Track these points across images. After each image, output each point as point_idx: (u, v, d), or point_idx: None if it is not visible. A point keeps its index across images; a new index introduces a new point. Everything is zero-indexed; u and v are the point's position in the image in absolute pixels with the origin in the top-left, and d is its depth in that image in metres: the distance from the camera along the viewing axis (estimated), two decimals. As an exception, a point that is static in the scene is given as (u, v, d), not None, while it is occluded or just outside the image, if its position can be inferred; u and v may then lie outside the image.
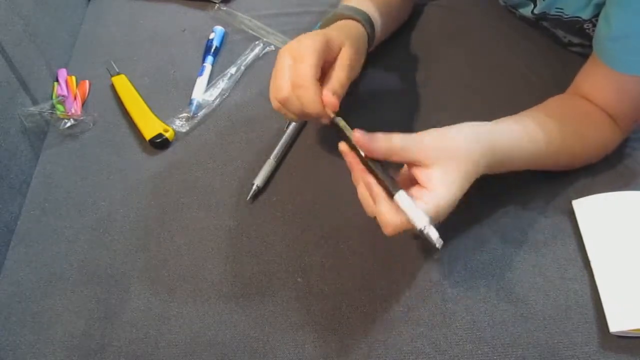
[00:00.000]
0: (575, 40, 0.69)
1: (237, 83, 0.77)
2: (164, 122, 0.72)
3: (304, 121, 0.69)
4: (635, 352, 0.49)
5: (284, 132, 0.68)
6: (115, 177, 0.68)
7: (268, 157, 0.66)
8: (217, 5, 0.87)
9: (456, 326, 0.52)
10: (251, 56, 0.79)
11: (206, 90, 0.76)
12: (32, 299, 0.59)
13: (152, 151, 0.70)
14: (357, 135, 0.47)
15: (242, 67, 0.78)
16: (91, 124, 0.74)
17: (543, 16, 0.67)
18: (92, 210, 0.66)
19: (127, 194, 0.66)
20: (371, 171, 0.48)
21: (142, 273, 0.60)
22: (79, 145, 0.73)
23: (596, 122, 0.58)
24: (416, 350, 0.51)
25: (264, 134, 0.69)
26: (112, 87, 0.78)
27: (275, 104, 0.56)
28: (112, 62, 0.80)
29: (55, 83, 0.79)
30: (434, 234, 0.44)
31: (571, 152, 0.58)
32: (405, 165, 0.50)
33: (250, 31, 0.83)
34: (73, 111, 0.75)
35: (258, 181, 0.64)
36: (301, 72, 0.53)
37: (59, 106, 0.75)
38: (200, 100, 0.74)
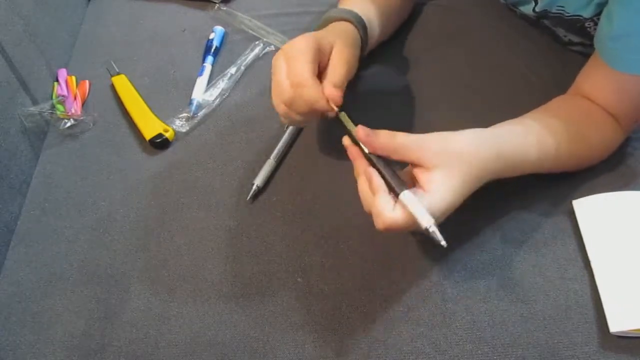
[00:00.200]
0: (576, 39, 0.69)
1: (237, 83, 0.77)
2: (164, 122, 0.72)
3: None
4: (635, 352, 0.49)
5: (284, 132, 0.68)
6: (115, 177, 0.68)
7: (268, 157, 0.66)
8: (217, 5, 0.87)
9: (456, 326, 0.52)
10: (251, 56, 0.79)
11: (206, 90, 0.76)
12: (32, 299, 0.59)
13: (152, 151, 0.70)
14: (360, 131, 0.47)
15: (242, 67, 0.78)
16: (91, 124, 0.74)
17: (544, 14, 0.67)
18: (92, 210, 0.66)
19: (127, 194, 0.67)
20: (375, 167, 0.48)
21: (142, 273, 0.60)
22: (79, 145, 0.73)
23: (598, 123, 0.58)
24: (416, 350, 0.51)
25: (264, 134, 0.69)
26: (112, 87, 0.78)
27: (281, 108, 0.55)
28: (112, 62, 0.80)
29: (55, 83, 0.79)
30: (439, 234, 0.44)
31: (577, 155, 0.58)
32: (410, 165, 0.50)
33: (250, 31, 0.83)
34: (73, 111, 0.75)
35: (258, 181, 0.64)
36: (298, 72, 0.53)
37: (59, 106, 0.75)
38: (200, 100, 0.74)
